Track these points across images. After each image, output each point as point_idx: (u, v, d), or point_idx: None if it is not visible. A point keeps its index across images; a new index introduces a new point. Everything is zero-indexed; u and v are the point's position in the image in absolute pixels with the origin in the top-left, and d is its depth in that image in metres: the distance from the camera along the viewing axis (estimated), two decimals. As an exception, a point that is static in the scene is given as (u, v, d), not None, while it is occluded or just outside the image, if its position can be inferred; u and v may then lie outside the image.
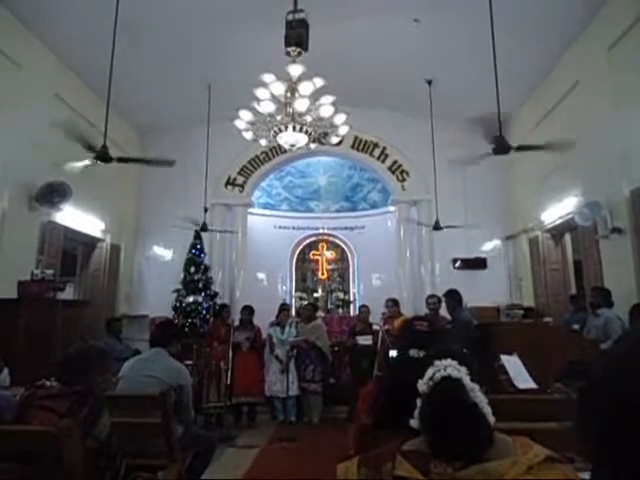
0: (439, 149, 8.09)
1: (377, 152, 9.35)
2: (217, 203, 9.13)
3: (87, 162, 4.75)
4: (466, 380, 1.11)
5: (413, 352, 1.97)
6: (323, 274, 11.06)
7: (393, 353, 3.32)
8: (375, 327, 6.24)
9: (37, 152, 6.12)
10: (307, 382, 6.03)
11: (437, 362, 1.15)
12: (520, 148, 4.63)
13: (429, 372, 1.14)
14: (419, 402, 1.13)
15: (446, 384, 1.10)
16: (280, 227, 10.88)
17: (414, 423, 1.12)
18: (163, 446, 2.66)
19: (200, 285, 8.09)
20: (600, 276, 5.97)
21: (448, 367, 1.13)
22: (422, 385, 1.14)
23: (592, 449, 0.53)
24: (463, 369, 1.13)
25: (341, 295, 10.71)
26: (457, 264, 8.80)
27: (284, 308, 6.60)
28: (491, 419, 1.08)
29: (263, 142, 4.87)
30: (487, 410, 1.09)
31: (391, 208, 9.90)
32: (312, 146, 4.85)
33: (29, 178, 6.05)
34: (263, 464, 4.47)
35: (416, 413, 1.13)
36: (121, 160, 4.82)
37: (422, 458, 1.04)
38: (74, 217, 7.09)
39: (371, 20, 6.39)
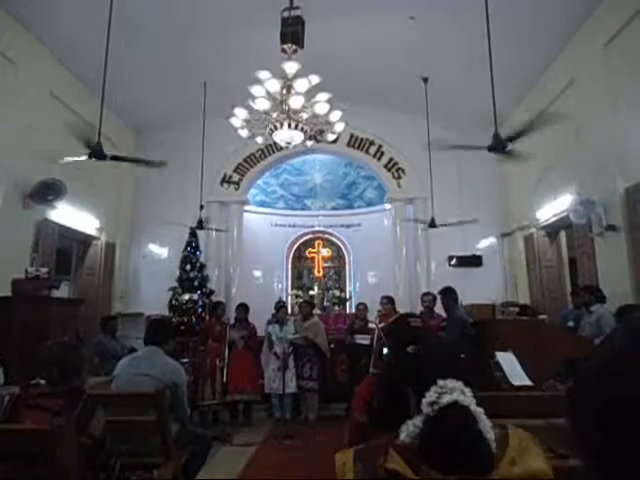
0: (435, 146, 8.08)
1: (373, 150, 9.34)
2: (213, 201, 9.08)
3: (81, 158, 4.73)
4: (473, 407, 1.06)
5: (410, 349, 1.97)
6: (319, 272, 11.06)
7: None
8: (371, 325, 6.23)
9: (32, 150, 6.08)
10: (304, 380, 6.03)
11: (441, 382, 1.09)
12: (510, 139, 4.58)
13: (433, 393, 1.08)
14: (418, 421, 1.09)
15: (453, 411, 1.05)
16: (276, 225, 10.87)
17: (405, 438, 1.09)
18: (159, 444, 2.65)
19: (196, 283, 8.06)
20: (595, 273, 5.99)
21: (454, 391, 1.07)
22: (426, 407, 1.08)
23: (584, 447, 0.53)
24: (468, 392, 1.08)
25: (337, 293, 10.71)
26: (453, 261, 8.82)
27: (282, 305, 6.59)
28: (493, 445, 1.04)
29: (259, 140, 4.87)
30: (490, 436, 1.04)
31: (387, 206, 9.92)
32: (308, 144, 4.85)
33: (23, 176, 6.01)
34: (259, 462, 4.47)
35: (410, 429, 1.09)
36: (115, 159, 4.81)
37: (415, 455, 1.04)
38: (69, 215, 7.05)
39: (367, 17, 6.38)
